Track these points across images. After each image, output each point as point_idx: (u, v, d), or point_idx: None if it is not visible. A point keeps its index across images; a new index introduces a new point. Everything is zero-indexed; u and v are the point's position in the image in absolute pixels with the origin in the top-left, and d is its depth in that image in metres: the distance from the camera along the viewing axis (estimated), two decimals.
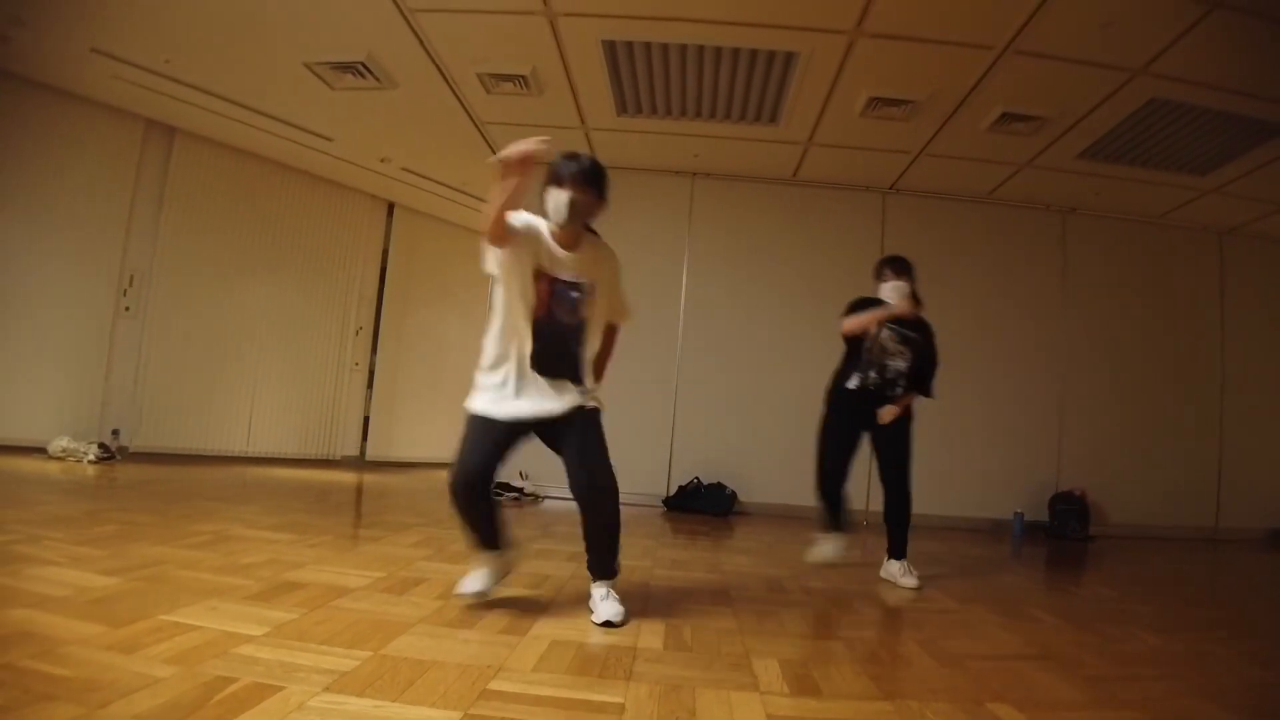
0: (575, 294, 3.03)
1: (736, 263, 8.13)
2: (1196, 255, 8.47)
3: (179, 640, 2.30)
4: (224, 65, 6.61)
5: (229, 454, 8.77)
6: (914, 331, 4.44)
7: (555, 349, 3.02)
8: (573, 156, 3.04)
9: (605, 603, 2.97)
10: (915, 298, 4.45)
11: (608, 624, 2.87)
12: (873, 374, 4.44)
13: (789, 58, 5.67)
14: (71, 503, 4.79)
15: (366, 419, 10.34)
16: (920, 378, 4.46)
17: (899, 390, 4.42)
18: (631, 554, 4.64)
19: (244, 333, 8.92)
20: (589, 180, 2.99)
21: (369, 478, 8.59)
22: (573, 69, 6.09)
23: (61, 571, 2.99)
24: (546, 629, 2.79)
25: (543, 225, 3.03)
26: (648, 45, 5.66)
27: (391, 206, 10.44)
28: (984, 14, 4.99)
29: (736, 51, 5.65)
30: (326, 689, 2.01)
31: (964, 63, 5.58)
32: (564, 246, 3.02)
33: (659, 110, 6.71)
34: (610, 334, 3.31)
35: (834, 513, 4.64)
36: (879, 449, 4.51)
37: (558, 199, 2.94)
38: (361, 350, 10.22)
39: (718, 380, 7.93)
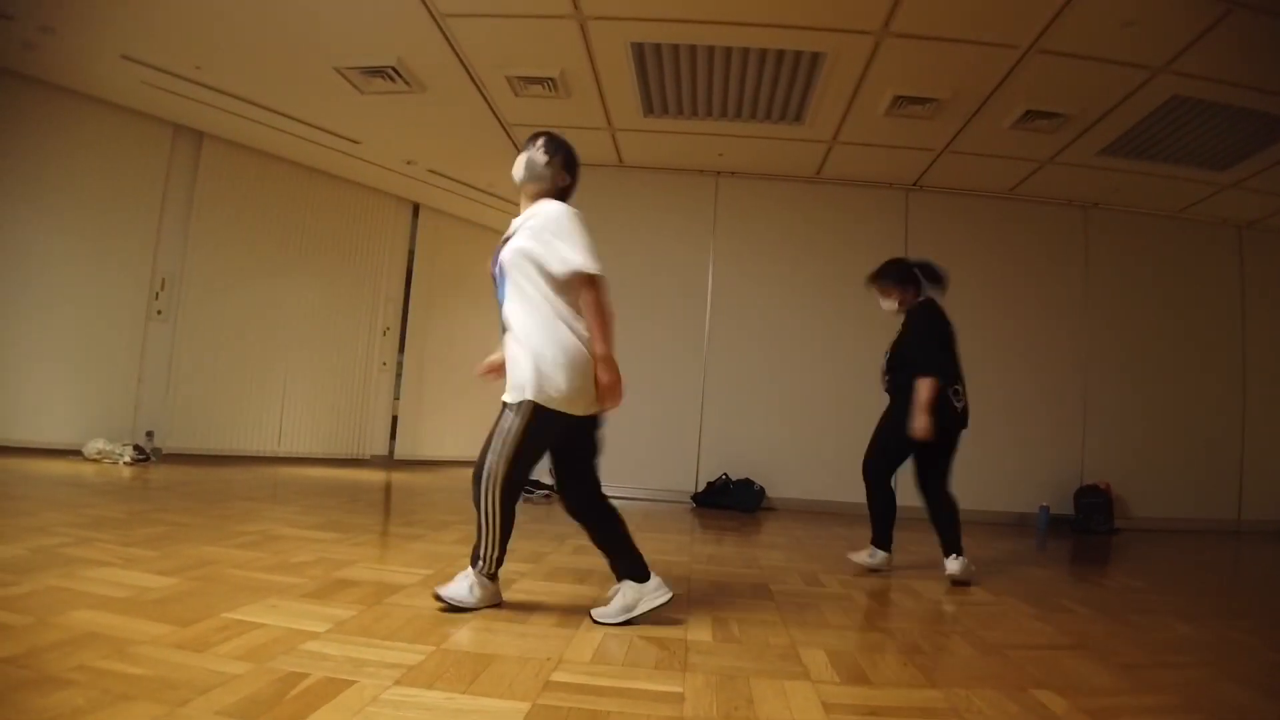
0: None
1: (761, 260, 8.17)
2: (1216, 249, 8.47)
3: (246, 638, 2.37)
4: (254, 71, 6.70)
5: (260, 454, 8.88)
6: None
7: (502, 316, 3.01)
8: (544, 133, 3.20)
9: (453, 583, 2.95)
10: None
11: (436, 596, 2.89)
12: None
13: (815, 58, 5.71)
14: (114, 505, 4.86)
15: (395, 418, 10.44)
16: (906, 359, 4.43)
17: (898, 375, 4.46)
18: (667, 549, 4.76)
19: (273, 334, 9.03)
20: (554, 148, 3.13)
21: (399, 476, 8.69)
22: (601, 71, 6.15)
23: (117, 573, 3.06)
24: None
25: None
26: (675, 47, 5.72)
27: (417, 208, 10.54)
28: (1009, 14, 5.02)
29: (764, 52, 5.70)
30: (397, 682, 2.08)
31: (988, 62, 5.61)
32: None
33: (684, 111, 6.76)
34: (584, 293, 2.91)
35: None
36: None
37: (519, 159, 3.12)
38: (389, 350, 10.32)
39: (745, 376, 7.98)
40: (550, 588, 3.45)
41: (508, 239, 3.01)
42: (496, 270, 3.02)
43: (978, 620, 3.39)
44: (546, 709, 1.96)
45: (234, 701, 1.90)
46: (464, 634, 2.58)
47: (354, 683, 2.06)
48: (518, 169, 3.11)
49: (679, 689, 2.19)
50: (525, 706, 1.97)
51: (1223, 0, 4.67)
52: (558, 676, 2.22)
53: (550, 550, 4.41)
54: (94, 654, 2.14)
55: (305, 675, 2.09)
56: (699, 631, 2.84)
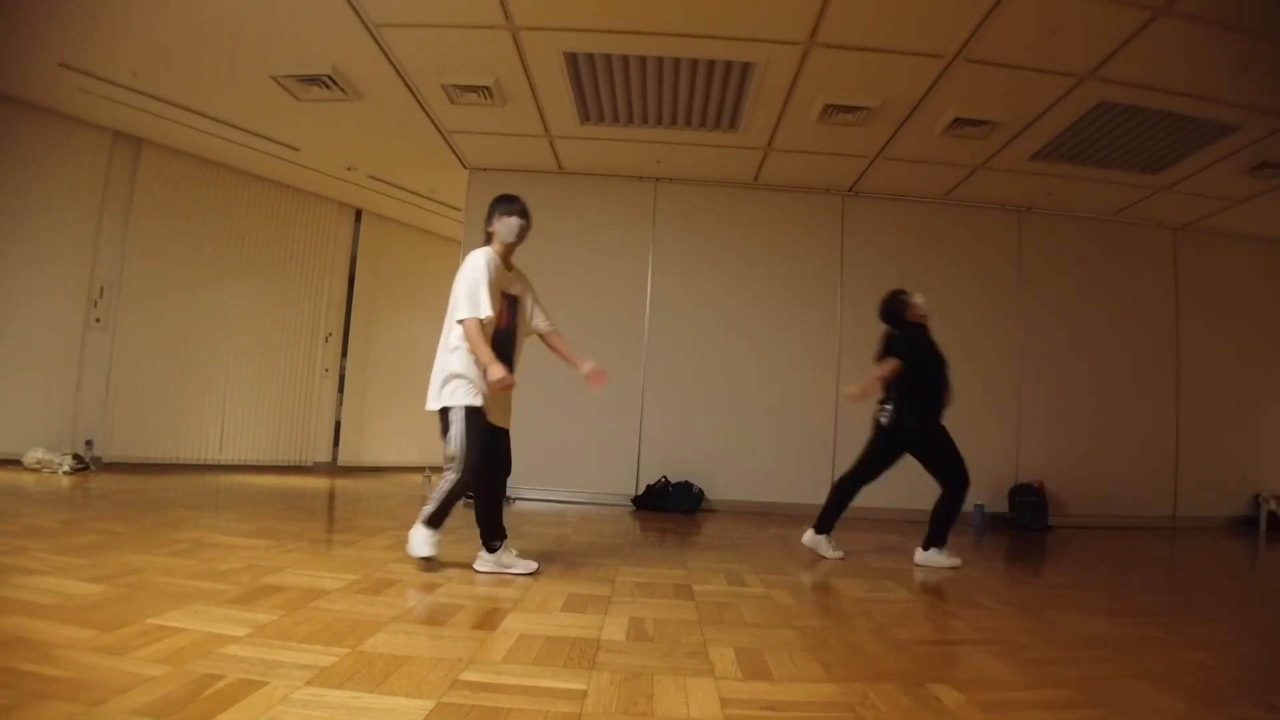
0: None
1: (701, 265, 8.28)
2: (1151, 251, 8.72)
3: (166, 642, 2.42)
4: (191, 78, 6.68)
5: (202, 462, 8.83)
6: None
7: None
8: (513, 198, 4.17)
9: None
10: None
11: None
12: None
13: (746, 68, 5.83)
14: (49, 513, 4.86)
15: (338, 424, 10.41)
16: None
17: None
18: (598, 552, 4.83)
19: (214, 341, 8.97)
20: (529, 214, 4.15)
21: (341, 483, 8.68)
22: (535, 80, 6.22)
23: (47, 580, 3.09)
24: (515, 624, 2.93)
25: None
26: (609, 57, 5.80)
27: (359, 213, 10.52)
28: (933, 23, 5.16)
29: (695, 62, 5.81)
30: (308, 683, 2.14)
31: (916, 71, 5.76)
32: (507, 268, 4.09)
33: (621, 119, 6.85)
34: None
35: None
36: None
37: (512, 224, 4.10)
38: (332, 356, 10.29)
39: (684, 380, 8.09)
40: (470, 591, 3.52)
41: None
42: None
43: (892, 617, 3.50)
44: (450, 707, 2.03)
45: (148, 702, 1.96)
46: (380, 637, 2.63)
47: (266, 684, 2.11)
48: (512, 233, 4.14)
49: (583, 686, 2.27)
50: (430, 704, 2.03)
51: (1146, 8, 4.82)
52: (467, 675, 2.29)
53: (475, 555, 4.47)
54: (16, 657, 2.20)
55: (220, 677, 2.14)
56: (613, 631, 2.92)
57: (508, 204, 4.11)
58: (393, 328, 11.01)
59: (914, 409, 5.09)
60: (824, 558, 5.09)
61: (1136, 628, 3.52)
